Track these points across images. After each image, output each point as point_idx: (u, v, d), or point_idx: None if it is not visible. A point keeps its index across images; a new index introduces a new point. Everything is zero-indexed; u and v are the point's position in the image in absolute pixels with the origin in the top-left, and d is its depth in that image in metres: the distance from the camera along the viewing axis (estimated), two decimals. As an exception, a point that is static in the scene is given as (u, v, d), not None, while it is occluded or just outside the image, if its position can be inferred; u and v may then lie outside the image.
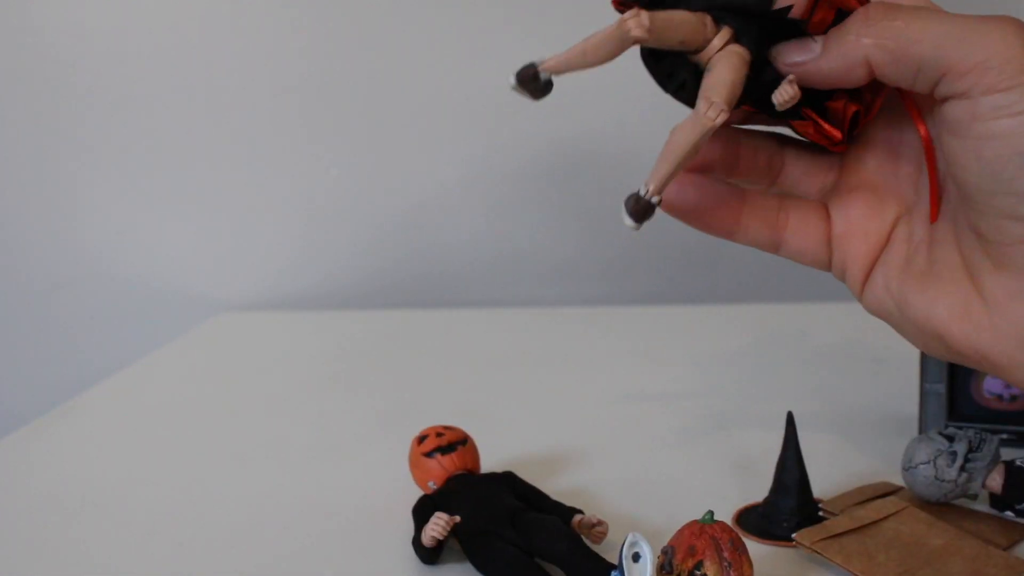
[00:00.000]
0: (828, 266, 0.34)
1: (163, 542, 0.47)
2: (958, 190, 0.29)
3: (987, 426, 0.50)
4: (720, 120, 0.27)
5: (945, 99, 0.27)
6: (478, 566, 0.41)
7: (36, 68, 1.01)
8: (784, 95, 0.28)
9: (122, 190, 1.03)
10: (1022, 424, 0.51)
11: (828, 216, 0.33)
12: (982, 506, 0.45)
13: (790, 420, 0.46)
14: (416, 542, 0.42)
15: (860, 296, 0.33)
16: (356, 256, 1.04)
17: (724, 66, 0.28)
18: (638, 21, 0.26)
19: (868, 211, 0.32)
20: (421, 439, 0.48)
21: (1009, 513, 0.44)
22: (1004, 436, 0.50)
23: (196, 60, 1.01)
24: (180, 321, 1.02)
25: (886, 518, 0.41)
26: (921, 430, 0.53)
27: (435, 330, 0.91)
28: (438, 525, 0.41)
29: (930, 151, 0.30)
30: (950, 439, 0.44)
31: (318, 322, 0.96)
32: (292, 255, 1.05)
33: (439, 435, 0.47)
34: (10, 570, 0.44)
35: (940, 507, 0.44)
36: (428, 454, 0.46)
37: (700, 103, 0.27)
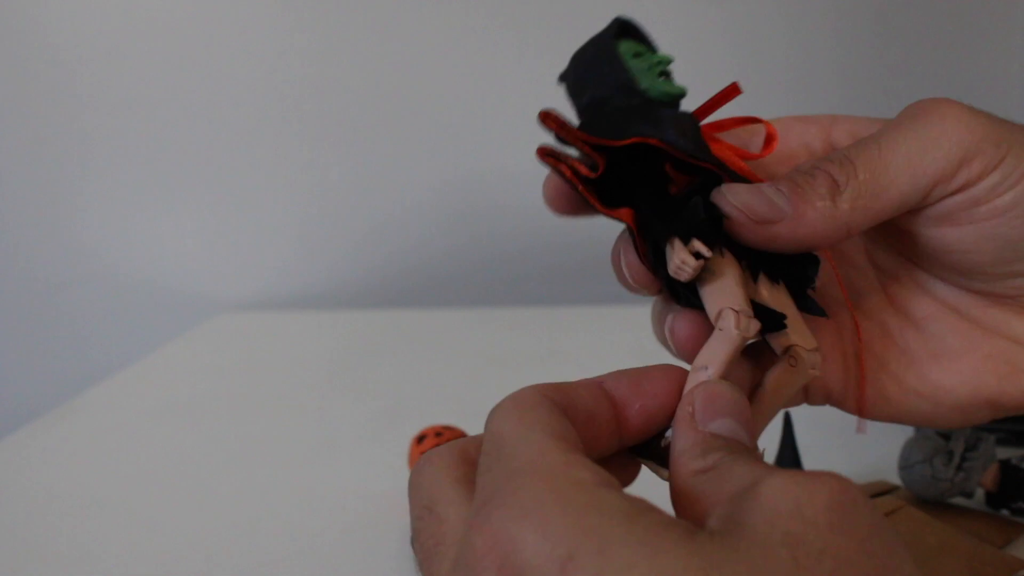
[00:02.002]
0: (807, 401, 0.31)
1: (163, 541, 0.47)
2: (949, 268, 0.28)
3: (983, 425, 0.50)
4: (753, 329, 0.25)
5: (928, 201, 0.26)
6: (477, 565, 0.41)
7: (37, 69, 1.01)
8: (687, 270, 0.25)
9: (123, 190, 1.04)
10: (1018, 423, 0.51)
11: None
12: (978, 505, 0.45)
13: (787, 420, 0.46)
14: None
15: (869, 412, 0.30)
16: (356, 256, 1.05)
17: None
18: (748, 322, 0.25)
19: (831, 337, 0.30)
20: (420, 439, 0.48)
21: (1005, 511, 0.44)
22: (1000, 435, 0.50)
23: (197, 62, 1.01)
24: (180, 321, 1.03)
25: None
26: (917, 429, 0.53)
27: (435, 330, 0.92)
28: (437, 524, 0.41)
29: (860, 334, 0.29)
30: (946, 438, 0.44)
31: (318, 322, 0.96)
32: (292, 255, 1.05)
33: (438, 435, 0.48)
34: (10, 570, 0.45)
35: (936, 506, 0.44)
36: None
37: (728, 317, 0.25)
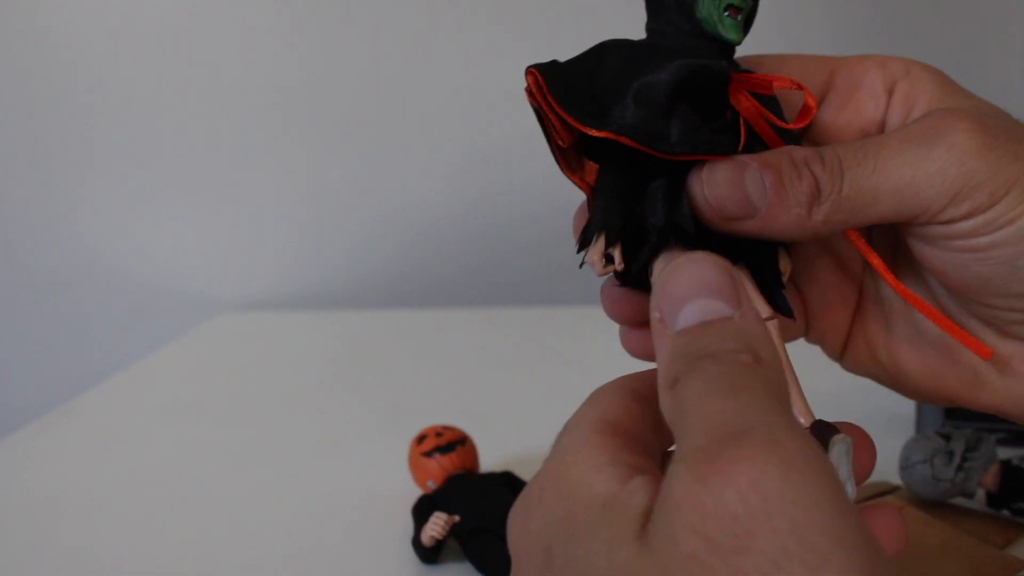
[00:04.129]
0: (805, 336, 0.31)
1: (163, 541, 0.47)
2: (938, 284, 0.27)
3: (983, 425, 0.50)
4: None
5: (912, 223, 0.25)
6: (477, 565, 0.41)
7: (38, 69, 1.01)
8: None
9: (123, 191, 1.04)
10: (1018, 424, 0.51)
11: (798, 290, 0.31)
12: (979, 505, 0.45)
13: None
14: (415, 542, 0.43)
15: (841, 362, 0.31)
16: (356, 256, 1.05)
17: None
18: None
19: (834, 280, 0.30)
20: (420, 439, 0.48)
21: (1005, 512, 0.44)
22: (1000, 435, 0.50)
23: (197, 62, 1.01)
24: (180, 321, 1.03)
25: (883, 517, 0.42)
26: (918, 429, 0.53)
27: (435, 330, 0.92)
28: (437, 525, 0.41)
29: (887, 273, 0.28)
30: (947, 438, 0.44)
31: (318, 322, 0.96)
32: (292, 255, 1.05)
33: (438, 435, 0.47)
34: (10, 570, 0.45)
35: (937, 506, 0.44)
36: (427, 454, 0.47)
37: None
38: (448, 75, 1.01)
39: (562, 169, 0.25)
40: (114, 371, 0.80)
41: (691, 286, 0.21)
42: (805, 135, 0.28)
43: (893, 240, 0.29)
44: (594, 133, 0.23)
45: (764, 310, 0.25)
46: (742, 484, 0.16)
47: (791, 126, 0.26)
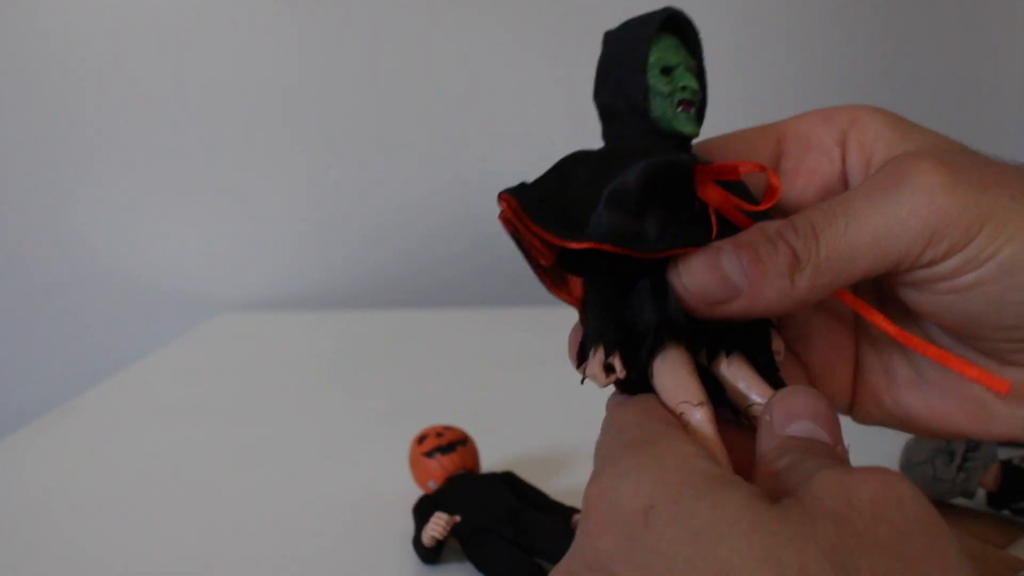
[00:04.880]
0: None
1: (163, 541, 0.47)
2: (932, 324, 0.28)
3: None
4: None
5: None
6: (478, 566, 0.41)
7: (38, 69, 1.01)
8: None
9: (123, 191, 1.04)
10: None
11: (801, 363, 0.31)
12: (979, 505, 0.45)
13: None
14: (416, 542, 0.43)
15: (851, 415, 0.31)
16: (356, 256, 1.05)
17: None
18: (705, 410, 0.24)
19: (830, 341, 0.30)
20: (421, 439, 0.48)
21: (1006, 512, 0.44)
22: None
23: (197, 62, 1.01)
24: (180, 321, 1.03)
25: (884, 517, 0.42)
26: (919, 429, 0.53)
27: (435, 330, 0.92)
28: (438, 525, 0.41)
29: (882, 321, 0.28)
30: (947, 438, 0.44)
31: (318, 322, 0.96)
32: (292, 255, 1.05)
33: (439, 435, 0.47)
34: (10, 570, 0.45)
35: (938, 506, 0.44)
36: (428, 454, 0.47)
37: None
38: (448, 76, 1.01)
39: (548, 288, 0.26)
40: (114, 371, 0.80)
41: (803, 409, 0.23)
42: (772, 210, 0.27)
43: (878, 291, 0.29)
44: (575, 246, 0.23)
45: (765, 392, 0.25)
46: (885, 487, 0.19)
47: (759, 208, 0.26)
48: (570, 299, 0.26)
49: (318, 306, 1.04)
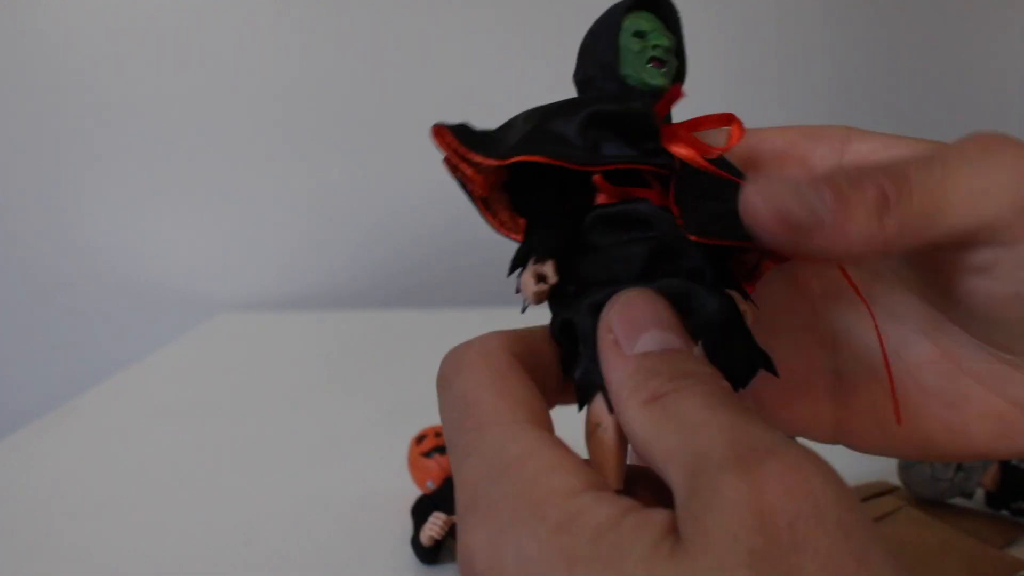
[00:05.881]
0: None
1: (163, 541, 0.47)
2: (966, 319, 0.25)
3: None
4: None
5: (971, 243, 0.23)
6: (476, 565, 0.41)
7: (39, 70, 1.01)
8: None
9: (123, 191, 1.04)
10: None
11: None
12: (978, 505, 0.45)
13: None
14: (414, 542, 0.43)
15: (847, 445, 0.29)
16: (356, 256, 1.05)
17: None
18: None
19: (795, 372, 0.28)
20: (419, 439, 0.48)
21: (1005, 512, 0.44)
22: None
23: (198, 62, 1.01)
24: (180, 321, 1.03)
25: (883, 517, 0.42)
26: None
27: (435, 330, 0.91)
28: (436, 525, 0.41)
29: (885, 356, 0.27)
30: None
31: (318, 322, 0.96)
32: (292, 255, 1.05)
33: (438, 435, 0.48)
34: (10, 570, 0.45)
35: (936, 506, 0.44)
36: (426, 454, 0.47)
37: None
38: (448, 76, 1.01)
39: (491, 224, 0.25)
40: (114, 371, 0.80)
41: (648, 317, 0.21)
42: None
43: (903, 299, 0.27)
44: (505, 161, 0.23)
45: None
46: (796, 488, 0.17)
47: (723, 149, 0.25)
48: (517, 237, 0.25)
49: (318, 306, 1.04)
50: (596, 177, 0.23)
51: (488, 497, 0.19)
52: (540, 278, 0.23)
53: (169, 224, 1.04)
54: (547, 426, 0.21)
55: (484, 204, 0.25)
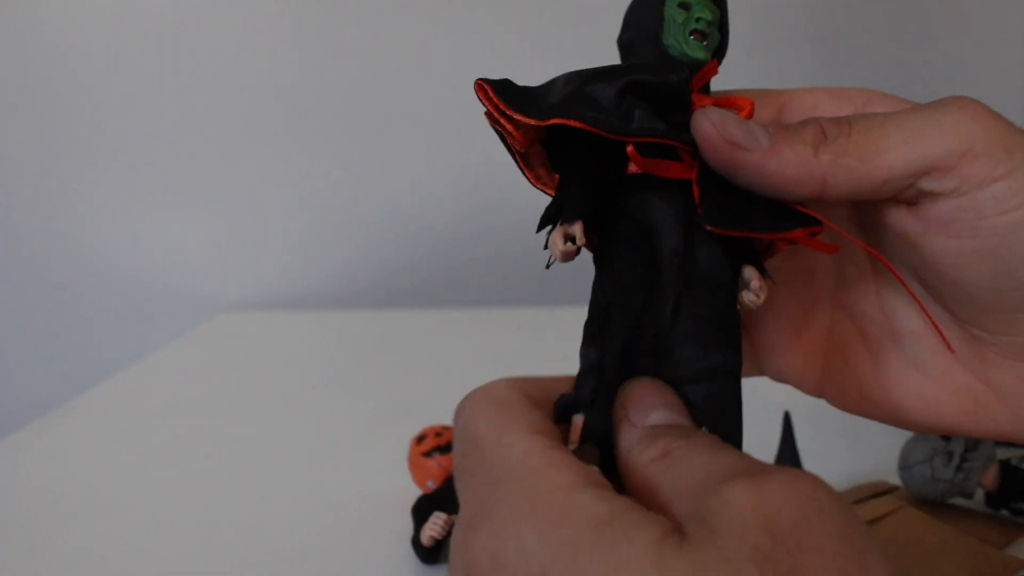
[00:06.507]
0: (762, 373, 0.31)
1: (163, 541, 0.47)
2: (944, 282, 0.26)
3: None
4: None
5: (926, 197, 0.24)
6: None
7: (39, 69, 1.01)
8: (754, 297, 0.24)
9: (123, 191, 1.04)
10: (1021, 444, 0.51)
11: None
12: (978, 505, 0.45)
13: (787, 420, 0.46)
14: (415, 542, 0.43)
15: (827, 400, 0.30)
16: (356, 256, 1.05)
17: None
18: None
19: (791, 318, 0.29)
20: (420, 439, 0.48)
21: (1005, 512, 0.44)
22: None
23: (198, 62, 1.01)
24: (180, 321, 1.03)
25: (882, 517, 0.42)
26: (918, 429, 0.53)
27: (435, 330, 0.92)
28: (436, 525, 0.41)
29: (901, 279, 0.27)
30: (946, 438, 0.44)
31: (318, 322, 0.96)
32: (292, 255, 1.05)
33: (438, 435, 0.48)
34: (10, 570, 0.45)
35: (936, 506, 0.44)
36: (427, 454, 0.47)
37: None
38: (449, 76, 1.01)
39: (528, 178, 0.26)
40: (114, 371, 0.80)
41: (658, 400, 0.22)
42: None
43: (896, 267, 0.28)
44: (544, 122, 0.24)
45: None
46: (799, 495, 0.18)
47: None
48: (552, 192, 0.26)
49: (318, 306, 1.04)
50: (629, 148, 0.24)
51: (488, 504, 0.19)
52: (568, 238, 0.24)
53: (169, 224, 1.04)
54: (549, 434, 0.21)
55: (523, 159, 0.26)
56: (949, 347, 0.27)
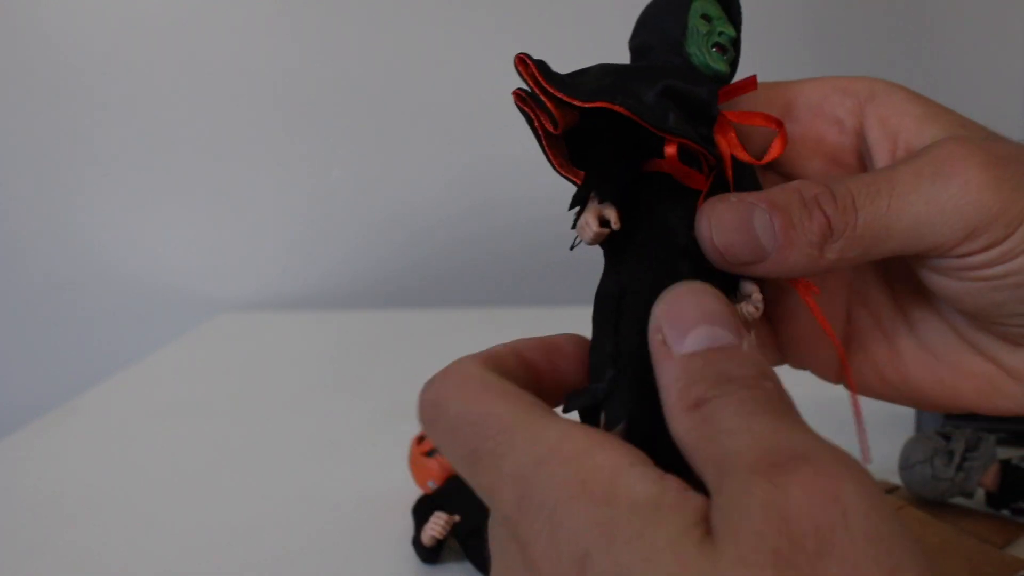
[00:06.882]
0: (784, 362, 0.31)
1: (163, 541, 0.47)
2: (939, 298, 0.27)
3: (983, 425, 0.50)
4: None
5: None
6: (477, 565, 0.41)
7: (39, 69, 1.01)
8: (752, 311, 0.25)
9: (123, 190, 1.04)
10: (1018, 423, 0.51)
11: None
12: (978, 505, 0.45)
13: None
14: (416, 541, 0.43)
15: (845, 385, 0.30)
16: (356, 256, 1.05)
17: None
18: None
19: (812, 324, 0.29)
20: (421, 439, 0.48)
21: (1005, 511, 0.44)
22: (1000, 435, 0.50)
23: (198, 61, 1.01)
24: (180, 321, 1.03)
25: (883, 517, 0.42)
26: (918, 429, 0.53)
27: (435, 330, 0.91)
28: (437, 525, 0.41)
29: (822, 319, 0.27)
30: (947, 438, 0.44)
31: (318, 322, 0.96)
32: (292, 255, 1.05)
33: (438, 435, 0.47)
34: (10, 570, 0.45)
35: (937, 506, 0.44)
36: (428, 454, 0.47)
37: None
38: (449, 76, 1.01)
39: (553, 165, 0.26)
40: (114, 371, 0.80)
41: (696, 313, 0.21)
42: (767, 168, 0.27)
43: (886, 268, 0.29)
44: (589, 104, 0.23)
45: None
46: (823, 495, 0.17)
47: (760, 163, 0.26)
48: (577, 179, 0.26)
49: (318, 306, 1.04)
50: (671, 147, 0.24)
51: (539, 483, 0.19)
52: (603, 222, 0.24)
53: (169, 224, 1.04)
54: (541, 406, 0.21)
55: (549, 143, 0.26)
56: (843, 360, 0.28)
